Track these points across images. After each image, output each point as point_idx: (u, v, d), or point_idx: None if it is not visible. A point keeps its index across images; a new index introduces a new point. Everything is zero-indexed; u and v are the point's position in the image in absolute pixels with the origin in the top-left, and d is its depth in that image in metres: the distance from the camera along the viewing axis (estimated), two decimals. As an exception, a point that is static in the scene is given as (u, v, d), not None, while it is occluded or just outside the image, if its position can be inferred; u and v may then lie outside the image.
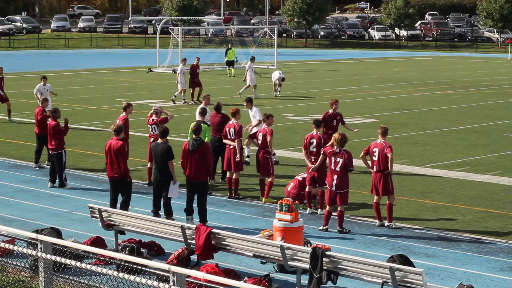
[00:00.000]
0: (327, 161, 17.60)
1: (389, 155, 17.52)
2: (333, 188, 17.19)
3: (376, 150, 17.71)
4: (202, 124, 20.10)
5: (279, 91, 41.88)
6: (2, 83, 33.88)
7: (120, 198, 17.59)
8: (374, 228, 17.62)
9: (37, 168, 23.32)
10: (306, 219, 17.05)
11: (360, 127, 31.54)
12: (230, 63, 55.78)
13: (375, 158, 17.69)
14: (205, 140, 20.19)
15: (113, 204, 17.57)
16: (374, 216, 17.99)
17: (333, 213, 17.50)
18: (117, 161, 17.26)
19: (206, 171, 17.49)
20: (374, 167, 17.72)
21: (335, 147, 17.30)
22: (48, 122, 21.63)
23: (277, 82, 41.89)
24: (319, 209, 18.83)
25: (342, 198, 17.24)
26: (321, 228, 17.37)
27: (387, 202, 17.75)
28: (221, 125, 21.32)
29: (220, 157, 21.47)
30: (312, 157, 18.80)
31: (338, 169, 17.14)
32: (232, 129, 20.30)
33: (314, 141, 18.89)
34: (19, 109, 36.46)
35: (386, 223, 17.75)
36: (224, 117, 21.61)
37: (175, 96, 38.87)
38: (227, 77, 53.27)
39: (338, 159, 17.15)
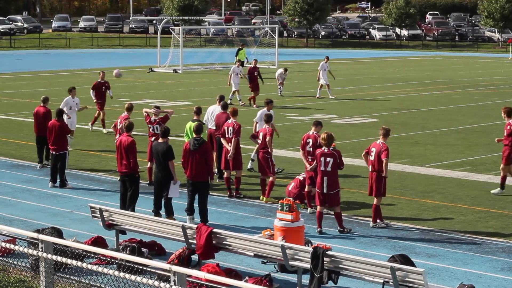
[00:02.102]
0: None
1: (384, 159, 17.47)
2: (325, 191, 17.10)
3: (374, 150, 17.68)
4: (196, 123, 20.18)
5: (281, 90, 41.84)
6: (103, 88, 30.39)
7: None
8: (375, 227, 17.61)
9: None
10: (307, 219, 17.04)
11: (360, 127, 31.61)
12: (240, 64, 54.74)
13: (371, 158, 17.67)
14: None
15: (122, 200, 17.71)
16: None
17: (330, 214, 17.50)
18: (126, 157, 17.48)
19: (207, 170, 17.50)
20: (370, 166, 17.70)
21: (324, 148, 17.26)
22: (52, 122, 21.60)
23: (279, 79, 41.73)
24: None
25: (334, 199, 17.16)
26: (318, 230, 17.31)
27: (374, 203, 17.71)
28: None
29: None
30: (309, 157, 18.79)
31: (329, 169, 17.06)
32: (231, 128, 20.30)
33: (311, 141, 18.89)
34: (20, 108, 36.47)
35: (371, 224, 17.73)
36: (229, 116, 21.58)
37: (231, 99, 37.69)
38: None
39: (328, 159, 17.08)
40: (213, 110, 22.65)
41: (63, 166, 21.15)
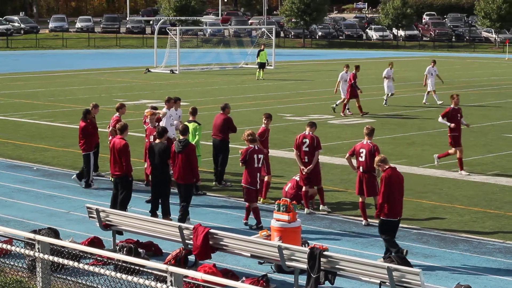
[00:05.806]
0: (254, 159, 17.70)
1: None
2: (259, 186, 17.77)
3: (363, 150, 17.63)
4: (192, 124, 20.29)
5: (437, 98, 39.25)
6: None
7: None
8: (371, 228, 17.61)
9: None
10: (303, 219, 17.05)
11: (357, 127, 31.61)
12: (262, 65, 52.65)
13: (362, 159, 17.61)
14: (196, 139, 20.33)
15: (113, 201, 17.67)
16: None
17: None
18: (119, 160, 17.42)
19: (192, 172, 17.39)
20: (361, 167, 17.65)
21: (253, 145, 17.52)
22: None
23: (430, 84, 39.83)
24: (322, 206, 18.81)
25: (259, 193, 18.31)
26: (244, 222, 17.77)
27: (376, 203, 17.70)
28: (224, 126, 21.30)
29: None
30: (306, 157, 18.79)
31: (260, 165, 17.58)
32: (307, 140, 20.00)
33: (307, 141, 18.88)
34: (17, 109, 36.46)
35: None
36: (227, 119, 21.51)
37: (336, 105, 36.17)
38: (255, 80, 51.78)
39: (260, 156, 17.54)
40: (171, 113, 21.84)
41: (85, 167, 21.22)
